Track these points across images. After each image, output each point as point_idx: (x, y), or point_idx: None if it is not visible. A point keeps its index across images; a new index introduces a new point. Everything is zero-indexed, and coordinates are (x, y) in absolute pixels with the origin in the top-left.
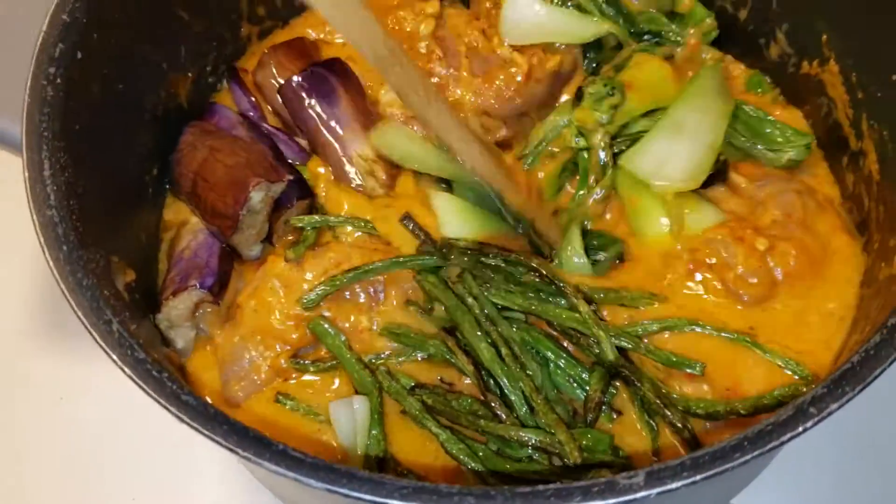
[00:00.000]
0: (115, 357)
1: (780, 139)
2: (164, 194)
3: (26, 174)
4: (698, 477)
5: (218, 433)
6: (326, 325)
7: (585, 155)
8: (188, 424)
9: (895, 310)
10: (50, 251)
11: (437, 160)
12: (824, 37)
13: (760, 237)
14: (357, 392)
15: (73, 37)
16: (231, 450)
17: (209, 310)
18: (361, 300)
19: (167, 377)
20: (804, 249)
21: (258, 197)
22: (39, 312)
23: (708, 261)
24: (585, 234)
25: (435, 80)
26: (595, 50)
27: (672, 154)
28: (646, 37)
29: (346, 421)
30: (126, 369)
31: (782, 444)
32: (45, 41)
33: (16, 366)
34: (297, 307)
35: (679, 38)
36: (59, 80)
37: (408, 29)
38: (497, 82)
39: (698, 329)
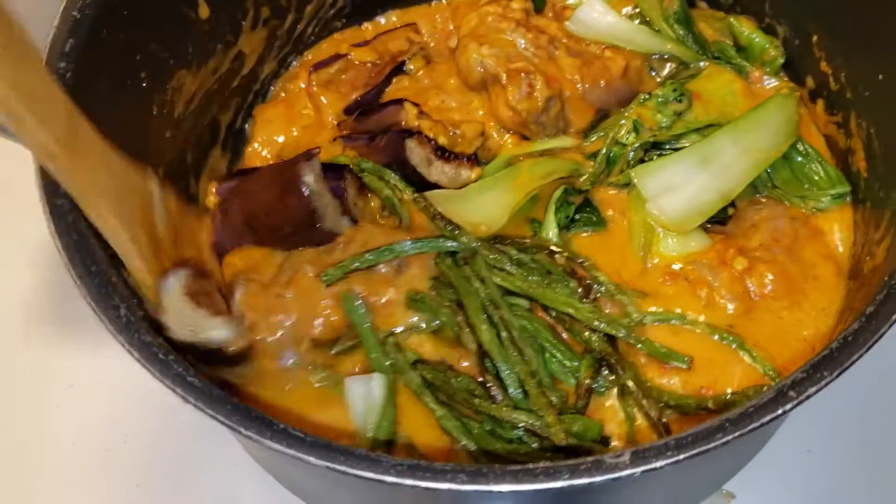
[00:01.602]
0: (122, 340)
1: (822, 183)
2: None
3: (37, 164)
4: (682, 456)
5: (221, 413)
6: (356, 302)
7: (620, 150)
8: (193, 405)
9: (873, 300)
10: (60, 238)
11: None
12: (815, 38)
13: (740, 257)
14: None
15: (82, 33)
16: (234, 429)
17: None
18: (384, 271)
19: (173, 360)
20: (783, 274)
21: (311, 178)
22: (47, 300)
23: (687, 278)
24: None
25: (520, 64)
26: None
27: (682, 185)
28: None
29: (362, 397)
30: (133, 352)
31: (762, 425)
32: (57, 37)
33: (24, 353)
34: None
35: (746, 70)
36: (69, 75)
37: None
38: (594, 70)
39: (688, 326)
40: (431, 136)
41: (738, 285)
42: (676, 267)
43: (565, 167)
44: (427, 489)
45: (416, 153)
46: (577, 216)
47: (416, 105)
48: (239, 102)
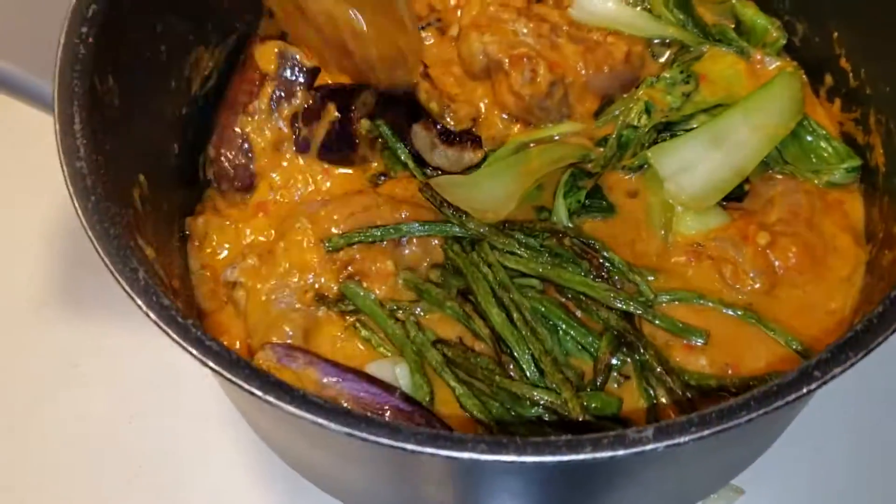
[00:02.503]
0: (140, 303)
1: (831, 159)
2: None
3: (57, 126)
4: (706, 432)
5: (240, 377)
6: (357, 289)
7: (633, 133)
8: (212, 369)
9: None
10: (79, 201)
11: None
12: (835, 34)
13: (762, 231)
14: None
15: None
16: (252, 393)
17: None
18: (384, 244)
19: (192, 323)
20: (805, 246)
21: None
22: (54, 280)
23: (711, 256)
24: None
25: (523, 49)
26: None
27: (698, 163)
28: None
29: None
30: (151, 314)
31: (787, 403)
32: (80, 2)
33: (30, 333)
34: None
35: (747, 52)
36: (90, 40)
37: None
38: (597, 56)
39: (705, 303)
40: (425, 97)
41: (762, 260)
42: (699, 245)
43: (575, 153)
44: (447, 458)
45: (420, 137)
46: (587, 202)
47: (424, 65)
48: None
